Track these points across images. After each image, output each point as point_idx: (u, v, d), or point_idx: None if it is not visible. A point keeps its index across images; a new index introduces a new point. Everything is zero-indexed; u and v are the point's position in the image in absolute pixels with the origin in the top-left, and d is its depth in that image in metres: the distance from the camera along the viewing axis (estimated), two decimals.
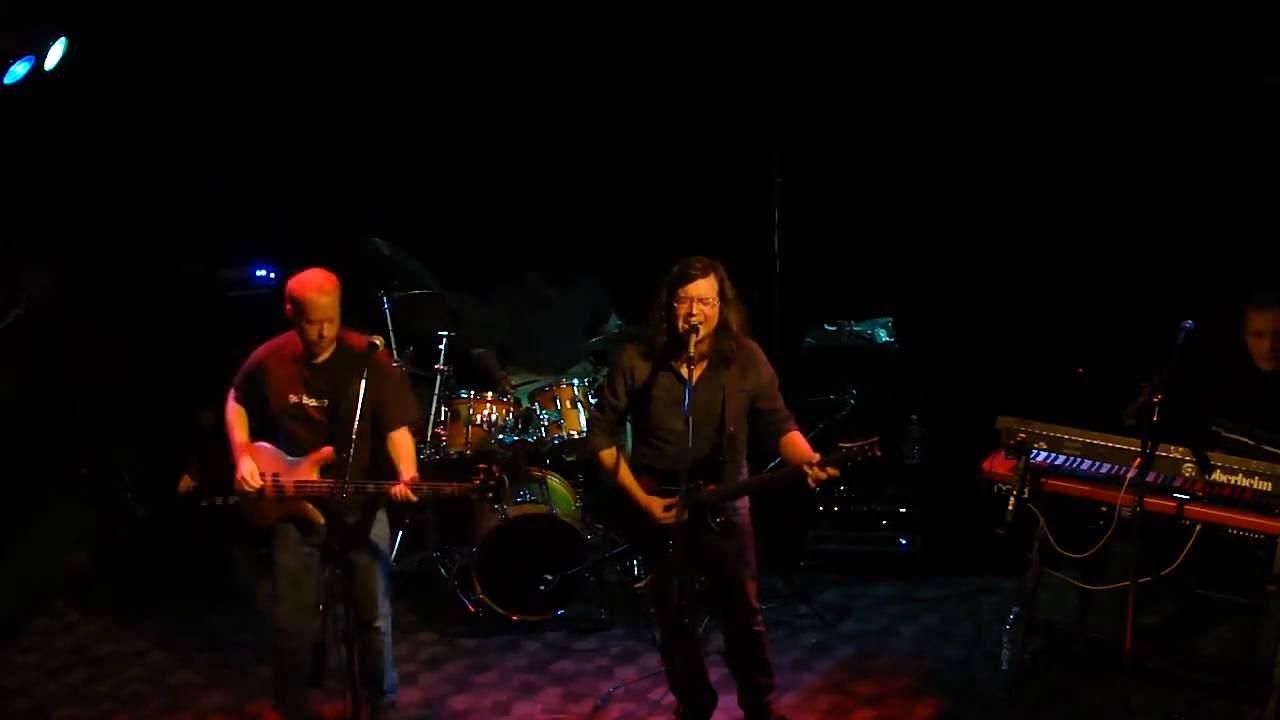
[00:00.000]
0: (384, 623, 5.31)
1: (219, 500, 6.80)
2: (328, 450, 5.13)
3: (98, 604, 6.82)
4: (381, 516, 5.31)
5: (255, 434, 5.34)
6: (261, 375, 5.27)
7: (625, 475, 5.06)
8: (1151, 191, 6.94)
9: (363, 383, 4.98)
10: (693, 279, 4.85)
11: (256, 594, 6.77)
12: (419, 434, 6.67)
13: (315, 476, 5.13)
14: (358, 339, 5.22)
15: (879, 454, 4.73)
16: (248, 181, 7.60)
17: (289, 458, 5.20)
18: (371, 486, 5.11)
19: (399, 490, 5.06)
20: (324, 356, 5.17)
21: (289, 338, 5.23)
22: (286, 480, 5.17)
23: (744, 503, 5.10)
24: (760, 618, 5.18)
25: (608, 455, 5.09)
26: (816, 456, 4.79)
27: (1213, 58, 6.61)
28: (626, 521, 5.15)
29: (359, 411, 4.95)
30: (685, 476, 4.76)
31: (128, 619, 6.66)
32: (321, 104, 7.58)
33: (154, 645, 6.41)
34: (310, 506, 5.17)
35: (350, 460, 4.95)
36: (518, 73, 7.57)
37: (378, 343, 5.17)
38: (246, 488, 5.18)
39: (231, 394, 5.38)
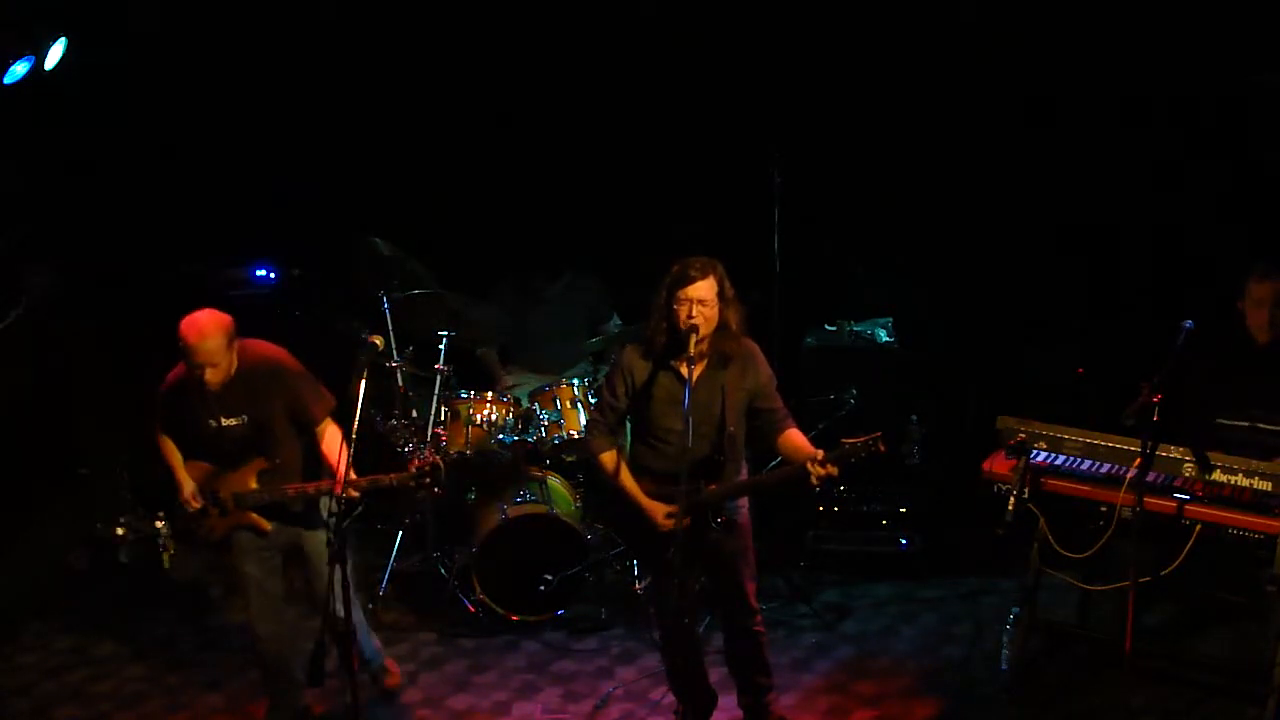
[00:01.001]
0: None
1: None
2: (261, 460, 5.24)
3: (98, 604, 6.83)
4: (324, 506, 5.34)
5: (186, 453, 5.42)
6: (174, 405, 5.34)
7: (626, 478, 5.05)
8: (1152, 191, 6.94)
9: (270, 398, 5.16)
10: (692, 280, 4.85)
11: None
12: (418, 434, 6.68)
13: (253, 485, 5.22)
14: (257, 345, 5.27)
15: (883, 449, 4.72)
16: (248, 181, 7.60)
17: (223, 471, 5.29)
18: (311, 489, 5.21)
19: (338, 489, 5.04)
20: (227, 379, 5.18)
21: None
22: (224, 493, 5.27)
23: (744, 502, 5.11)
24: (760, 618, 5.18)
25: (608, 457, 5.08)
26: (819, 453, 4.79)
27: (1213, 58, 6.61)
28: (627, 523, 5.14)
29: (275, 420, 5.13)
30: (685, 477, 4.75)
31: (128, 619, 6.67)
32: (322, 104, 7.58)
33: (154, 645, 6.41)
34: (254, 516, 5.27)
35: (281, 464, 5.14)
36: (517, 72, 7.57)
37: (378, 343, 5.17)
38: (189, 509, 5.32)
39: (156, 426, 5.44)
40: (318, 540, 5.29)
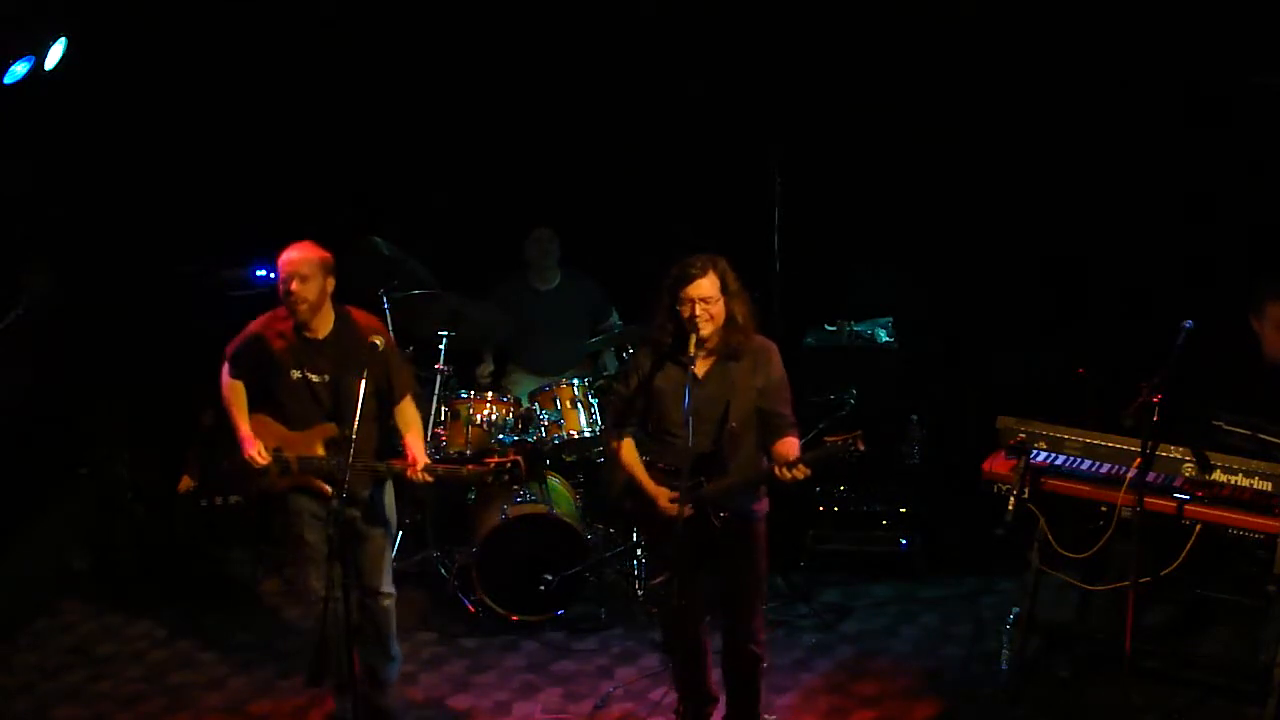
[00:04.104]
0: (390, 587, 5.33)
1: (219, 500, 6.80)
2: (331, 427, 5.13)
3: (98, 604, 6.83)
4: (390, 491, 5.30)
5: (253, 406, 5.32)
6: (260, 347, 5.26)
7: (635, 464, 5.02)
8: (1152, 191, 6.94)
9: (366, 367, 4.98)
10: (694, 279, 4.82)
11: (260, 592, 6.78)
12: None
13: (320, 452, 5.13)
14: (360, 312, 5.25)
15: (862, 447, 4.65)
16: (248, 181, 7.60)
17: (291, 430, 5.19)
18: (382, 467, 5.11)
19: (414, 473, 5.06)
20: (325, 332, 5.17)
21: (282, 310, 5.24)
22: (290, 455, 5.17)
23: (761, 508, 5.00)
24: (762, 638, 5.11)
25: (619, 445, 5.06)
26: (791, 456, 4.74)
27: (1213, 58, 6.61)
28: (640, 515, 5.10)
29: (364, 390, 4.92)
30: (686, 472, 4.73)
31: (128, 619, 6.67)
32: (322, 103, 7.58)
33: (154, 645, 6.41)
34: (317, 479, 5.17)
35: (355, 438, 4.89)
36: (517, 71, 7.57)
37: (378, 343, 5.18)
38: (255, 465, 5.19)
39: (226, 368, 5.34)
40: (376, 531, 5.24)
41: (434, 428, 6.64)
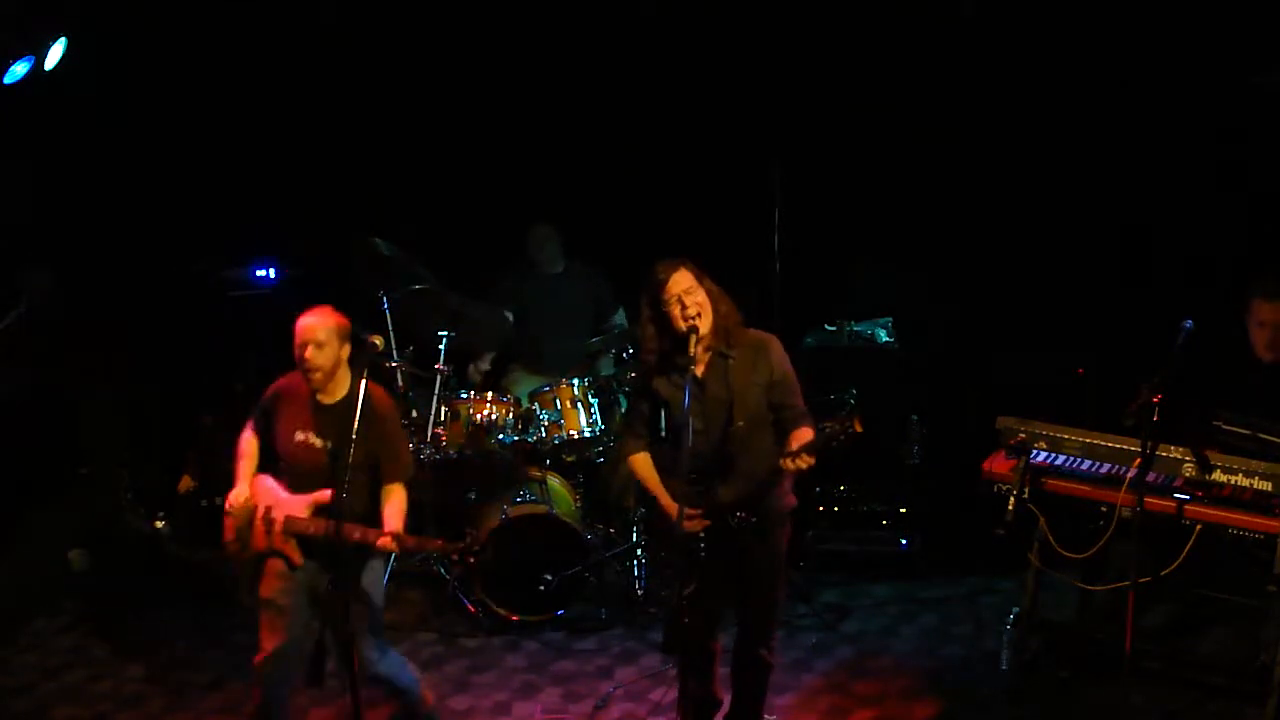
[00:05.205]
0: (374, 653, 5.17)
1: (219, 500, 6.80)
2: (326, 493, 5.05)
3: (98, 604, 6.83)
4: (374, 568, 5.21)
5: (264, 464, 5.30)
6: (273, 407, 5.25)
7: (651, 478, 4.97)
8: (1152, 191, 6.94)
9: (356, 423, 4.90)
10: (669, 276, 4.79)
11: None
12: (419, 434, 6.68)
13: (306, 516, 5.09)
14: (376, 388, 5.18)
15: (859, 429, 4.58)
16: (248, 181, 7.60)
17: (284, 494, 5.16)
18: (358, 534, 4.99)
19: (384, 541, 4.98)
20: (336, 399, 5.14)
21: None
22: (277, 515, 5.12)
23: (786, 506, 4.96)
24: (775, 645, 5.08)
25: (636, 459, 5.02)
26: (791, 446, 4.70)
27: (1213, 58, 6.61)
28: (658, 527, 5.06)
29: (353, 454, 4.88)
30: (689, 474, 4.69)
31: (128, 619, 6.67)
32: (322, 104, 7.59)
33: (154, 645, 6.41)
34: (291, 547, 5.10)
35: (344, 500, 4.87)
36: (518, 71, 7.58)
37: (378, 343, 5.16)
38: (230, 511, 5.17)
39: (249, 423, 5.36)
40: (355, 606, 5.07)
41: (434, 428, 6.64)
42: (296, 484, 5.16)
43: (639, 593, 6.59)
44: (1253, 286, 5.39)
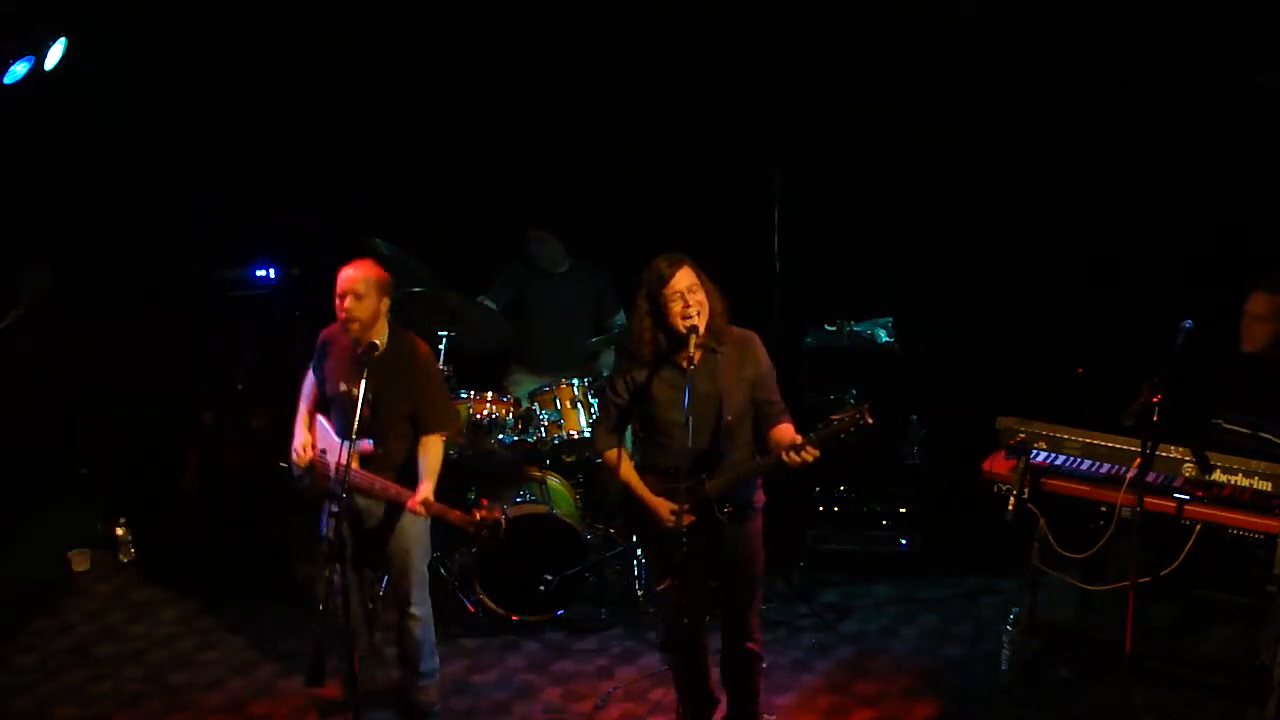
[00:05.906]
0: (418, 609, 5.43)
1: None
2: (367, 444, 5.22)
3: (98, 604, 6.83)
4: (408, 520, 5.38)
5: (322, 406, 5.55)
6: (323, 354, 5.48)
7: (631, 475, 5.00)
8: (1151, 191, 6.94)
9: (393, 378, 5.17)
10: (673, 274, 4.80)
11: (260, 592, 6.80)
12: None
13: (355, 465, 5.17)
14: (417, 340, 5.42)
15: (870, 420, 4.58)
16: (248, 181, 7.60)
17: (340, 439, 5.29)
18: (393, 491, 5.23)
19: (411, 505, 5.19)
20: (377, 351, 5.25)
21: None
22: (330, 459, 5.29)
23: (759, 500, 5.00)
24: (758, 634, 5.11)
25: (611, 455, 5.01)
26: (797, 439, 4.70)
27: (1213, 58, 6.61)
28: (640, 523, 5.08)
29: (398, 406, 5.18)
30: (685, 472, 4.70)
31: (128, 619, 6.67)
32: (322, 104, 7.58)
33: (154, 645, 6.41)
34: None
35: (383, 455, 5.19)
36: (518, 71, 7.57)
37: (377, 343, 5.18)
38: (296, 459, 5.44)
39: (311, 365, 5.58)
40: (400, 542, 5.36)
41: None
42: (341, 431, 5.35)
43: (639, 593, 6.59)
44: (1255, 280, 5.40)
